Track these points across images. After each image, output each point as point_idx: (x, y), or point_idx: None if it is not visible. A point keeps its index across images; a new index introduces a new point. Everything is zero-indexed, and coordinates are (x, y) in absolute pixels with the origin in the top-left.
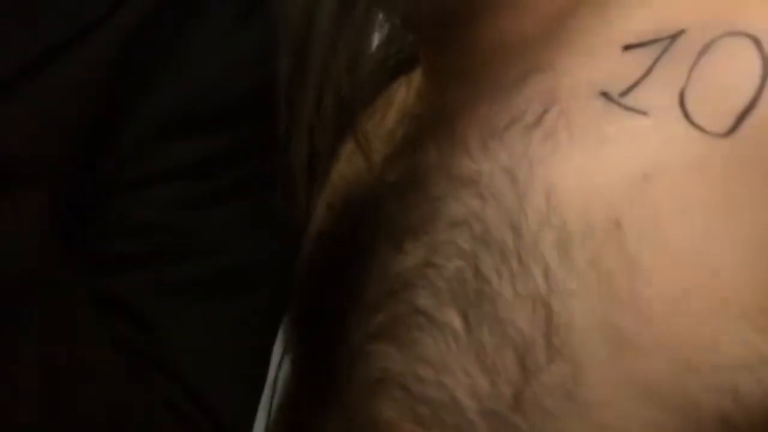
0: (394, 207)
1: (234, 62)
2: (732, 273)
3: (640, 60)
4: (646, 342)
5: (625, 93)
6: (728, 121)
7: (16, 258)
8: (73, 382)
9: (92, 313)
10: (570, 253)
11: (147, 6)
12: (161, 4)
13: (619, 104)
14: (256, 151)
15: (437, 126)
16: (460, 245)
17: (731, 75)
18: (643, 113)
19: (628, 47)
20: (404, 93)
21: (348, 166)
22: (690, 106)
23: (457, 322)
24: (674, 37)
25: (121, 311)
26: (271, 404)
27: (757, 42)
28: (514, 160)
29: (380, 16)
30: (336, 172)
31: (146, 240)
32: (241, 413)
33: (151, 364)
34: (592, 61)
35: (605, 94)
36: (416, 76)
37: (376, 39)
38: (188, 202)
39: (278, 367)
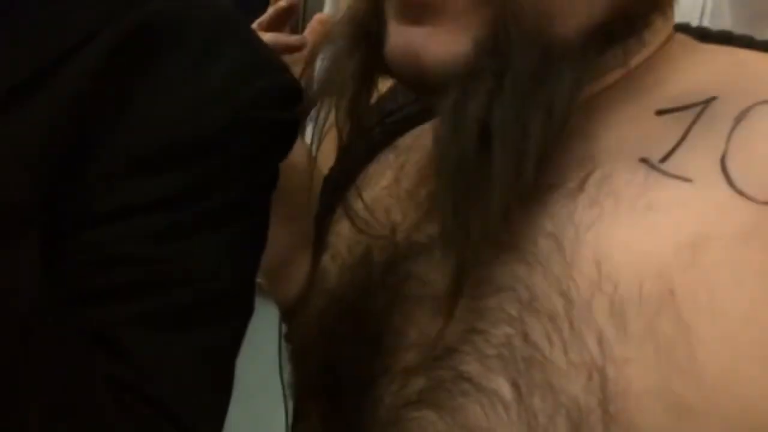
0: (427, 270)
1: (199, 98)
2: (743, 339)
3: (674, 125)
4: (704, 408)
5: (664, 159)
6: None
7: (18, 298)
8: (72, 417)
9: (83, 348)
10: (624, 321)
11: (112, 43)
12: (127, 41)
13: (659, 170)
14: (226, 183)
15: None
16: (508, 311)
17: None
18: (688, 180)
19: (661, 112)
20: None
21: (347, 227)
22: (733, 174)
23: (506, 390)
24: (707, 102)
25: (102, 343)
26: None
27: None
28: (559, 225)
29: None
30: (335, 233)
31: (120, 272)
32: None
33: (135, 396)
34: (629, 127)
35: (645, 161)
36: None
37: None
38: (160, 235)
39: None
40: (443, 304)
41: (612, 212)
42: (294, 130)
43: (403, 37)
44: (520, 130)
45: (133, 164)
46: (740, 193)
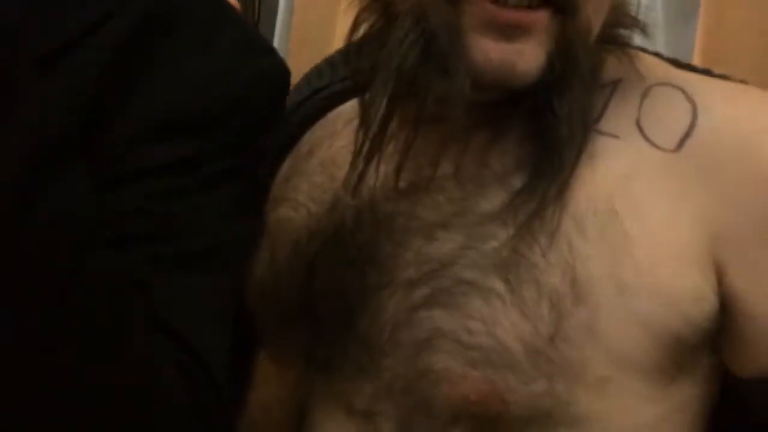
0: (413, 209)
1: (208, 74)
2: (687, 237)
3: (597, 100)
4: (637, 286)
5: (597, 121)
6: (675, 141)
7: (75, 224)
8: (108, 349)
9: (126, 283)
10: (585, 231)
11: (130, 23)
12: (143, 21)
13: (596, 130)
14: (230, 150)
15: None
16: (495, 232)
17: (672, 111)
18: (616, 136)
19: None
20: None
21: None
22: (646, 131)
23: (500, 286)
24: (616, 83)
25: (118, 286)
26: None
27: (683, 90)
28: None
29: None
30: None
31: (140, 224)
32: (223, 366)
33: (158, 328)
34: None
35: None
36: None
37: None
38: (173, 193)
39: None
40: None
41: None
42: (283, 108)
43: (498, 53)
44: (583, 109)
45: (150, 130)
46: (653, 144)
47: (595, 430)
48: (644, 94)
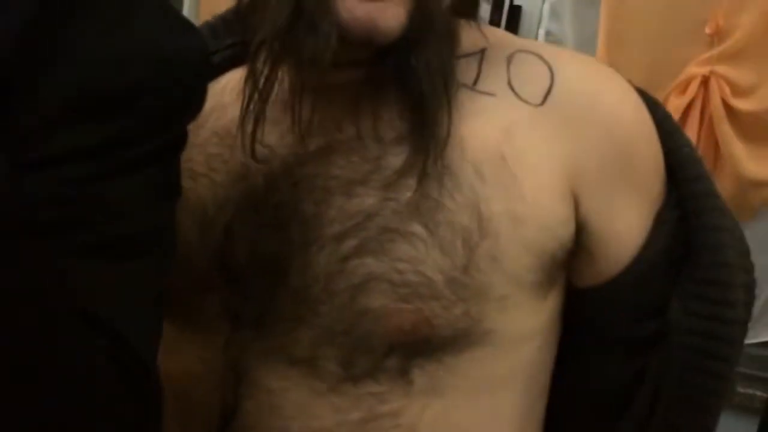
0: (327, 169)
1: (125, 51)
2: (556, 175)
3: (468, 66)
4: (527, 218)
5: (474, 83)
6: (540, 97)
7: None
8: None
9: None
10: (483, 175)
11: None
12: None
13: (475, 90)
14: (147, 134)
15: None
16: (408, 183)
17: (534, 73)
18: (492, 95)
19: (458, 57)
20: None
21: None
22: (517, 90)
23: (420, 230)
24: (483, 51)
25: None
26: None
27: (539, 56)
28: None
29: None
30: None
31: (57, 210)
32: (153, 349)
33: (82, 318)
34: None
35: (465, 85)
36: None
37: None
38: (90, 178)
39: None
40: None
41: (459, 115)
42: (204, 91)
43: (362, 11)
44: (442, 66)
45: (63, 112)
46: (523, 100)
47: (497, 341)
48: (509, 60)
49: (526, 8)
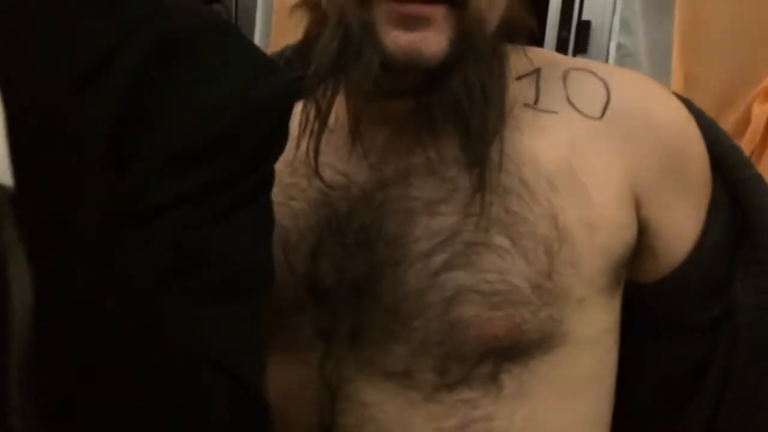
0: (407, 191)
1: (219, 99)
2: (619, 183)
3: (527, 86)
4: (600, 225)
5: (536, 102)
6: (599, 111)
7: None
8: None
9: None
10: (556, 186)
11: (140, 57)
12: (153, 54)
13: (537, 109)
14: (246, 175)
15: (426, 126)
16: (488, 198)
17: (590, 88)
18: (554, 112)
19: (519, 77)
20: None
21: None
22: (577, 105)
23: (505, 242)
24: (537, 71)
25: (158, 319)
26: None
27: (593, 73)
28: (504, 143)
29: None
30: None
31: (173, 259)
32: (263, 386)
33: (207, 363)
34: (511, 89)
35: (527, 105)
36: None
37: None
38: (197, 224)
39: None
40: (479, 191)
41: (528, 133)
42: (288, 126)
43: (406, 40)
44: (482, 84)
45: (168, 162)
46: (584, 115)
47: (575, 341)
48: (564, 78)
49: (595, 22)
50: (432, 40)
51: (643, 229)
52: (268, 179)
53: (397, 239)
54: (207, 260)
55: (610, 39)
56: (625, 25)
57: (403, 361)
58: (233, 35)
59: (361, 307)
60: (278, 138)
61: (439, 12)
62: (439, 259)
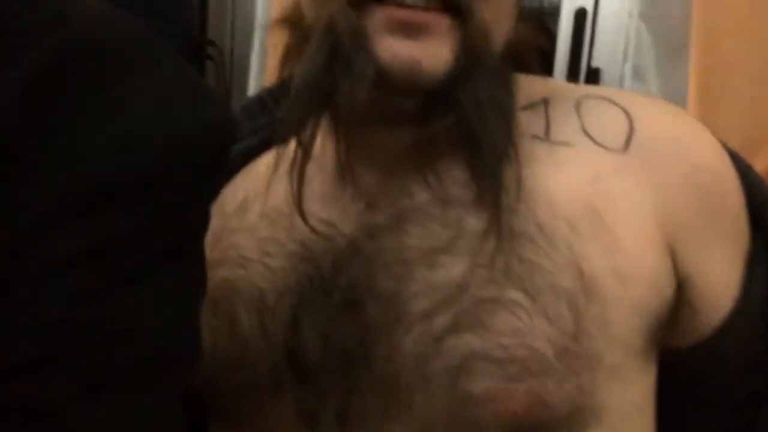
0: (401, 240)
1: (128, 133)
2: (651, 226)
3: (534, 116)
4: (633, 276)
5: (546, 134)
6: (622, 143)
7: None
8: None
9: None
10: (578, 230)
11: (32, 74)
12: (47, 73)
13: (548, 141)
14: (161, 227)
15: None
16: (498, 246)
17: (609, 118)
18: (569, 144)
19: (524, 108)
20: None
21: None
22: (594, 136)
23: (521, 297)
24: (545, 101)
25: (34, 418)
26: None
27: (610, 100)
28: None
29: None
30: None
31: (53, 339)
32: None
33: None
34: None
35: (536, 136)
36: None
37: None
38: (94, 292)
39: None
40: (494, 236)
41: (540, 169)
42: (225, 165)
43: (404, 49)
44: (493, 100)
45: (60, 210)
46: (604, 147)
47: (611, 415)
48: (577, 106)
49: (605, 70)
50: (434, 52)
51: (681, 282)
52: (195, 231)
53: (391, 297)
54: (104, 339)
55: (621, 87)
56: (638, 73)
57: None
58: (157, 55)
59: (351, 382)
60: (205, 180)
61: (442, 21)
62: (443, 319)
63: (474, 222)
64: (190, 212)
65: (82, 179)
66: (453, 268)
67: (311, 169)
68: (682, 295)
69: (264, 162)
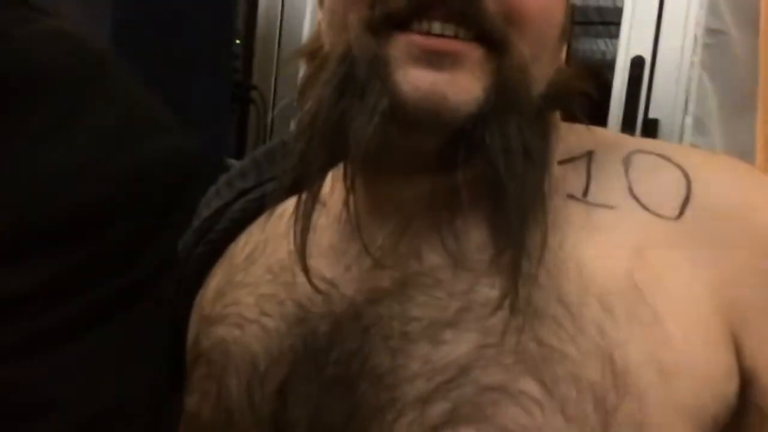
0: (405, 309)
1: (64, 169)
2: (708, 309)
3: (574, 172)
4: (677, 368)
5: (585, 194)
6: (676, 209)
7: None
8: None
9: None
10: (613, 312)
11: None
12: None
13: (585, 202)
14: (102, 275)
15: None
16: (512, 323)
17: (663, 178)
18: (610, 207)
19: (561, 162)
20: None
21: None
22: (642, 199)
23: (534, 388)
24: (589, 154)
25: None
26: None
27: (666, 157)
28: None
29: None
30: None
31: None
32: None
33: None
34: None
35: (572, 196)
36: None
37: None
38: (18, 350)
39: None
40: (511, 309)
41: (572, 234)
42: (189, 201)
43: (428, 80)
44: (525, 146)
45: None
46: (654, 213)
47: None
48: (626, 163)
49: (664, 121)
50: (462, 85)
51: (746, 379)
52: (152, 276)
53: (385, 376)
54: (38, 402)
55: (681, 141)
56: (700, 125)
57: None
58: (108, 82)
59: None
60: (160, 220)
61: (474, 51)
62: (440, 407)
63: (486, 291)
64: (142, 255)
65: (9, 221)
66: (457, 346)
67: (320, 219)
68: (748, 396)
69: (279, 210)
